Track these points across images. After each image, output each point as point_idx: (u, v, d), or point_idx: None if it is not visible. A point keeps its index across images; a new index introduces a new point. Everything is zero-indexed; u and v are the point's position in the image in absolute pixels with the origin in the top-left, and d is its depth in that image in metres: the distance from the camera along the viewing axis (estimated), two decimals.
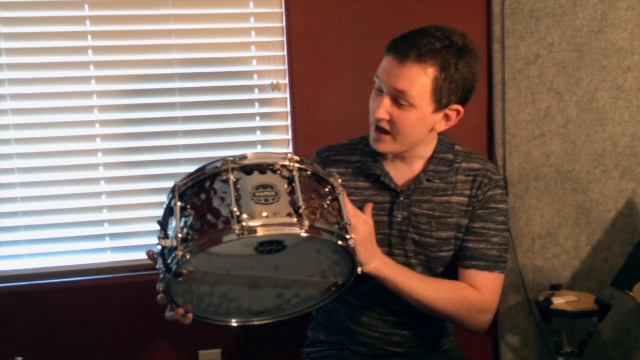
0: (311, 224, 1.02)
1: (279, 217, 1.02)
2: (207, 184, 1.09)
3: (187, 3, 1.95)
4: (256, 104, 2.03)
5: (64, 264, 1.97)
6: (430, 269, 1.39)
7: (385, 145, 1.32)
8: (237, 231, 0.98)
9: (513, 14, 2.02)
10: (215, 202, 1.06)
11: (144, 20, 1.93)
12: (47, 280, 1.95)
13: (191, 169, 1.94)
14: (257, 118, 2.03)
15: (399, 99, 1.24)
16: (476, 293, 1.33)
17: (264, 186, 1.06)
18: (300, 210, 1.02)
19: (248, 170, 1.08)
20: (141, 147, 1.98)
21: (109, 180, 1.97)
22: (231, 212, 1.01)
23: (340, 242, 1.06)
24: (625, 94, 2.03)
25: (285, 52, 1.99)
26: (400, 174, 1.39)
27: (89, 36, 1.91)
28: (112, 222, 1.99)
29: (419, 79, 1.22)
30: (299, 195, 1.04)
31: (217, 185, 1.08)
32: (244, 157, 1.09)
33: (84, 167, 1.96)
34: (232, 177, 1.05)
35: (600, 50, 2.02)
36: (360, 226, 1.18)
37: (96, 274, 1.98)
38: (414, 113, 1.25)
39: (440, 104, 1.26)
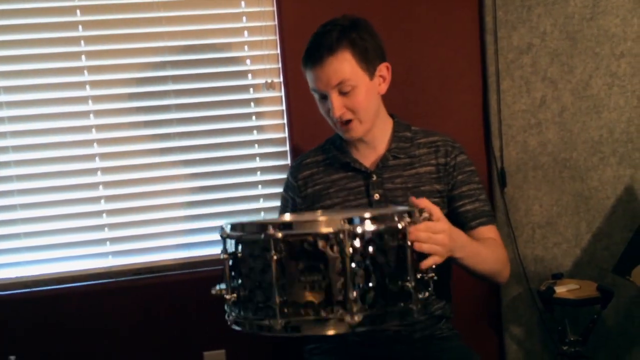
0: (365, 314, 0.97)
1: (326, 311, 0.96)
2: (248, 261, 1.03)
3: (179, 5, 1.95)
4: (252, 103, 2.03)
5: (66, 270, 1.97)
6: None
7: (356, 130, 1.45)
8: (278, 327, 0.96)
9: (505, 5, 2.02)
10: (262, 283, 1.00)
11: (134, 24, 1.94)
12: (49, 286, 1.95)
13: (189, 169, 1.99)
14: (253, 117, 2.04)
15: (342, 89, 1.39)
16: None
17: (311, 268, 0.96)
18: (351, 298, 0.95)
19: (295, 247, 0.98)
20: (138, 151, 1.99)
21: (107, 185, 1.98)
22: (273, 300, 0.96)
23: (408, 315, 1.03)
24: (619, 81, 2.02)
25: (278, 51, 2.00)
26: (367, 158, 1.51)
27: (81, 28, 1.92)
28: (112, 226, 1.99)
29: (344, 64, 1.37)
30: (353, 277, 0.96)
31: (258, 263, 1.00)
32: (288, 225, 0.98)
33: (82, 172, 1.96)
34: (274, 257, 0.97)
35: (593, 37, 2.02)
36: (439, 242, 1.13)
37: (98, 278, 1.98)
38: (360, 90, 1.40)
39: (370, 71, 1.42)
